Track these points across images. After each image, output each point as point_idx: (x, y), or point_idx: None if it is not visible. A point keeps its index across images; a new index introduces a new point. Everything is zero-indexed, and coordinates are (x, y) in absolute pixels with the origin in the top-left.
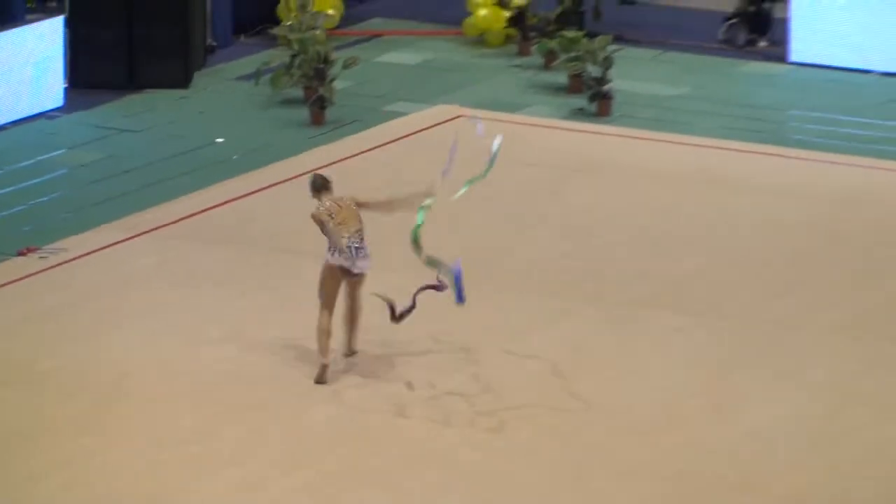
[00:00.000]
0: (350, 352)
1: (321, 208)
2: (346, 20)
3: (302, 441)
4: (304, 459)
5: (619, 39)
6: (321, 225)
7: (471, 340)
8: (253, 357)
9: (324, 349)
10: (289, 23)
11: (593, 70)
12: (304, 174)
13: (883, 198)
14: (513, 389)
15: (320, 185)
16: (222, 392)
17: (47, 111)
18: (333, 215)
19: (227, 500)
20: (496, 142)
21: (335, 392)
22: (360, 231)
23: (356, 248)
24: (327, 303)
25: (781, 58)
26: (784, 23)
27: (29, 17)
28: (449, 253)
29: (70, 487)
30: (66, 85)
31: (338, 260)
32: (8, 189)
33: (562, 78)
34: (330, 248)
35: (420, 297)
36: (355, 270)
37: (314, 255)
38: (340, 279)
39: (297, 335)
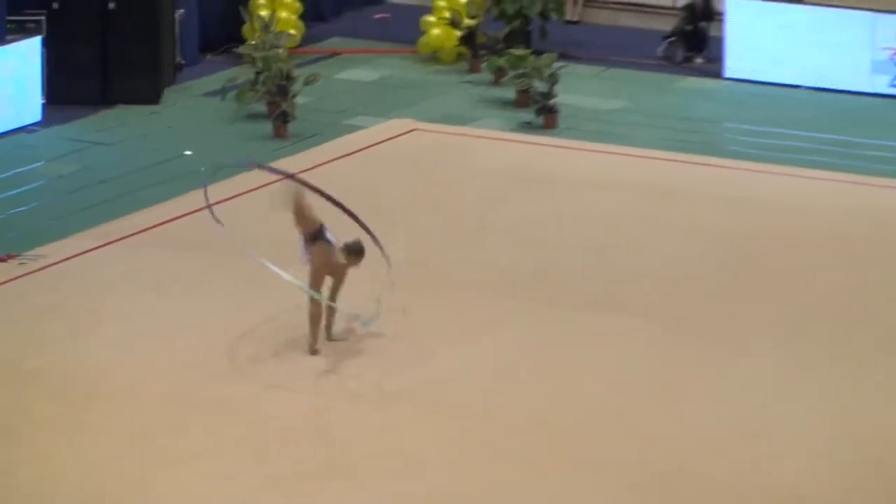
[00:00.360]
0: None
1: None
2: (307, 39)
3: (270, 435)
4: (271, 453)
5: (563, 57)
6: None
7: (429, 340)
8: (221, 356)
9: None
10: (253, 42)
11: (540, 86)
12: (267, 185)
13: (811, 205)
14: (468, 387)
15: (349, 248)
16: (194, 389)
17: (26, 126)
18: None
19: (199, 491)
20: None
21: (301, 389)
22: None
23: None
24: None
25: (717, 74)
26: (719, 41)
27: (9, 37)
28: (408, 258)
29: (50, 478)
30: (43, 101)
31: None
32: None
33: (510, 93)
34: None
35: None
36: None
37: (275, 260)
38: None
39: (261, 335)
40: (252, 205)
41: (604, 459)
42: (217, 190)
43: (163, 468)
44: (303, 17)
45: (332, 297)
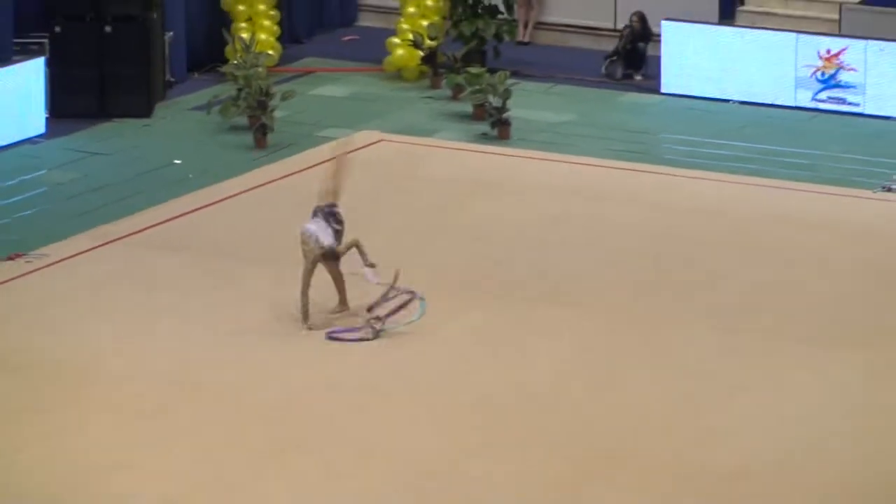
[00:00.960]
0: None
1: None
2: (284, 59)
3: (250, 417)
4: (249, 432)
5: (515, 74)
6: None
7: (394, 331)
8: (206, 345)
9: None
10: (235, 62)
11: (494, 100)
12: (249, 190)
13: (739, 208)
14: (425, 372)
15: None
16: (180, 375)
17: (31, 137)
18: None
19: (183, 466)
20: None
21: (279, 376)
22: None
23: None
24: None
25: (654, 89)
26: (656, 60)
27: (15, 58)
28: (372, 254)
29: (51, 457)
30: (46, 115)
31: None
32: None
33: (467, 107)
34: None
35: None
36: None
37: (257, 260)
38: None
39: (242, 328)
40: (239, 208)
41: (553, 439)
42: (207, 194)
43: (146, 445)
44: (280, 39)
45: (304, 286)
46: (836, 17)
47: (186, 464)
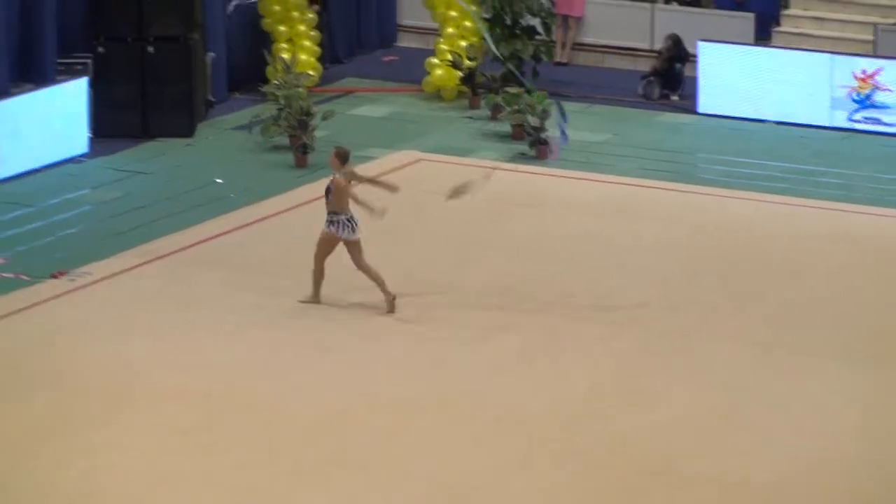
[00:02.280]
0: (390, 302)
1: (343, 176)
2: (324, 79)
3: (293, 432)
4: (288, 448)
5: (553, 95)
6: (340, 192)
7: (435, 348)
8: (248, 360)
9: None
10: (276, 82)
11: (532, 120)
12: (290, 209)
13: (774, 227)
14: (462, 389)
15: (346, 157)
16: (222, 390)
17: (74, 157)
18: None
19: (228, 480)
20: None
21: (321, 392)
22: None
23: (347, 220)
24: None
25: (690, 109)
26: (693, 80)
27: (59, 78)
28: (405, 273)
29: (91, 473)
30: (90, 134)
31: (334, 232)
32: (42, 223)
33: (506, 127)
34: (331, 220)
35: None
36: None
37: (296, 278)
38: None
39: (282, 345)
40: (280, 227)
41: (590, 456)
42: (248, 212)
43: (187, 459)
44: (320, 59)
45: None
46: (871, 38)
47: (226, 479)
